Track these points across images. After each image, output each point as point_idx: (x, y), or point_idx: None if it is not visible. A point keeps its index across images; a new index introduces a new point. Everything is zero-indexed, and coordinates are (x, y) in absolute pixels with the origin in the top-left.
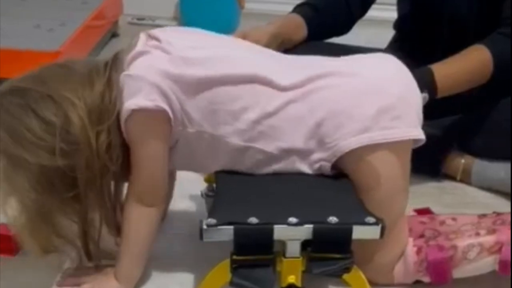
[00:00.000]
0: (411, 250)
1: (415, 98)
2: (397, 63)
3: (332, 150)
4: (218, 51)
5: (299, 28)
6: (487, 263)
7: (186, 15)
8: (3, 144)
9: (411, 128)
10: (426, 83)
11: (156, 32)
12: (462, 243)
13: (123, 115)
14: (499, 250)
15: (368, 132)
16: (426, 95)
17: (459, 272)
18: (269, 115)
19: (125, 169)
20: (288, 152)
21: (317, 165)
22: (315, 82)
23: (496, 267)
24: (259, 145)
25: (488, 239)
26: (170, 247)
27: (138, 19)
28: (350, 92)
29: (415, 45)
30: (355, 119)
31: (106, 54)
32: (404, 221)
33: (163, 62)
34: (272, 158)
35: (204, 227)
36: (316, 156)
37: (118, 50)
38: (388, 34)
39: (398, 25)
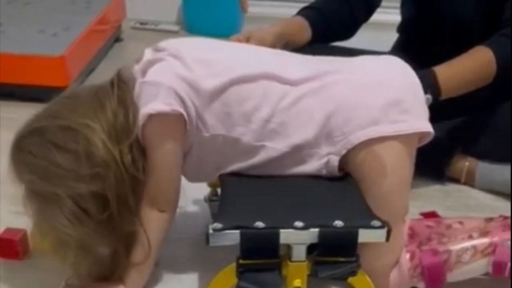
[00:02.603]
0: (404, 256)
1: (421, 94)
2: (401, 62)
3: (342, 143)
4: (224, 52)
5: (303, 31)
6: (481, 265)
7: (189, 20)
8: (33, 186)
9: (420, 122)
10: (429, 84)
11: (161, 44)
12: (455, 246)
13: (140, 120)
14: (493, 252)
15: (377, 124)
16: (429, 96)
17: (453, 276)
18: (280, 112)
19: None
20: (298, 148)
21: (325, 159)
22: (324, 77)
23: (490, 269)
24: (271, 143)
25: (482, 241)
26: (175, 251)
27: (141, 23)
28: (358, 86)
29: (419, 48)
30: (364, 112)
31: (110, 58)
32: (402, 227)
33: (177, 66)
34: (283, 155)
35: (210, 231)
36: (325, 149)
37: (120, 67)
38: (391, 37)
39: (402, 28)
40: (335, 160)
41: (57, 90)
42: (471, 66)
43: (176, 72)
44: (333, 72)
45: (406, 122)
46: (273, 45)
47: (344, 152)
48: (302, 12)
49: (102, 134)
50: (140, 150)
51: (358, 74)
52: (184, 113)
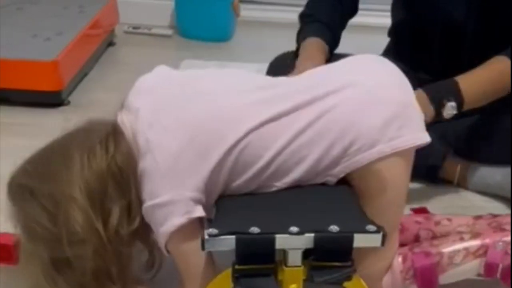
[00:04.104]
0: (396, 259)
1: (413, 100)
2: (390, 65)
3: (341, 166)
4: (205, 103)
5: (326, 54)
6: (473, 267)
7: (182, 24)
8: (21, 238)
9: (417, 133)
10: (453, 94)
11: (131, 104)
12: (447, 249)
13: (161, 241)
14: (484, 254)
15: (377, 145)
16: (454, 104)
17: (446, 277)
18: (278, 154)
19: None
20: (298, 180)
21: (322, 180)
22: (317, 104)
23: (482, 270)
24: (270, 182)
25: (473, 243)
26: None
27: (134, 28)
28: (354, 107)
29: (410, 51)
30: (364, 135)
31: (103, 63)
32: (397, 235)
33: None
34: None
35: (206, 237)
36: (324, 173)
37: (114, 122)
38: (383, 41)
39: (393, 31)
40: (332, 181)
41: (50, 94)
42: (491, 77)
43: (181, 178)
44: (328, 93)
45: (403, 137)
46: None
47: (342, 175)
48: (317, 33)
49: (84, 204)
50: (130, 216)
51: (351, 90)
52: (200, 211)
